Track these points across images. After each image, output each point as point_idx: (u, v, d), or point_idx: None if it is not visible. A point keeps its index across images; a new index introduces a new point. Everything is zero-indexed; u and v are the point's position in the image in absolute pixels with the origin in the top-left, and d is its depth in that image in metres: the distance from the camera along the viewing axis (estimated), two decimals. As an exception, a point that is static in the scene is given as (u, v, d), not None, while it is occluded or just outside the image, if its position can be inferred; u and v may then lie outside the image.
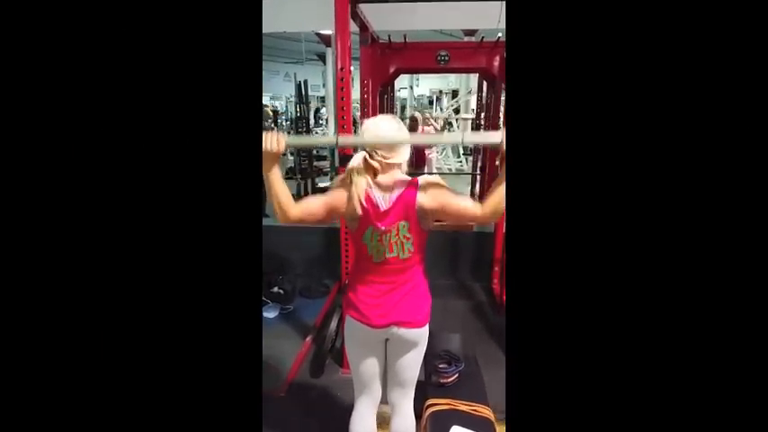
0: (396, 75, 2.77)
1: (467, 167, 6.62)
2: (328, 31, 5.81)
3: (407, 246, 1.10)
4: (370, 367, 1.25)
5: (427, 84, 12.25)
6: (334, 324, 2.06)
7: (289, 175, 5.47)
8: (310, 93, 5.62)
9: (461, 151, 7.24)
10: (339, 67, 1.65)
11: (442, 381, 1.51)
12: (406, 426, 1.30)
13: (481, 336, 2.31)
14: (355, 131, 1.70)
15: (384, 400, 1.32)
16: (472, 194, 4.08)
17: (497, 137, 0.98)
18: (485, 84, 3.55)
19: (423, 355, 1.24)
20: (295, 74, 5.78)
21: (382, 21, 2.46)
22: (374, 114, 2.26)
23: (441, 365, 1.55)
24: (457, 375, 1.53)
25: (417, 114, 5.55)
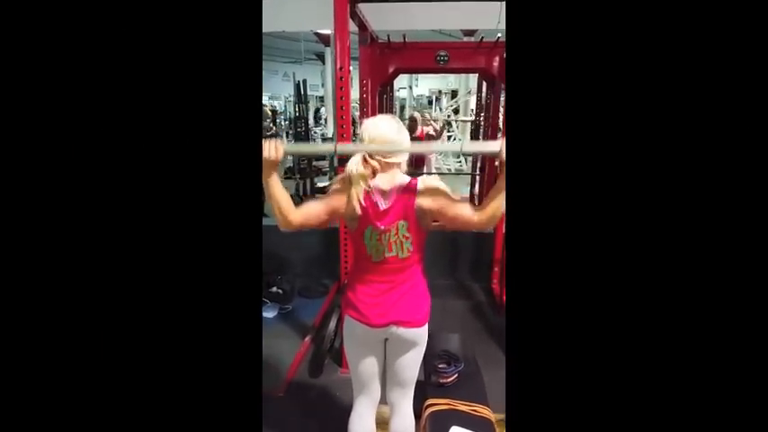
0: (395, 75, 2.77)
1: (466, 168, 6.62)
2: (327, 31, 5.81)
3: (406, 245, 1.10)
4: (369, 367, 1.25)
5: (426, 84, 12.26)
6: (333, 324, 2.06)
7: (288, 174, 5.48)
8: (309, 92, 5.63)
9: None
10: (338, 66, 1.65)
11: (441, 381, 1.51)
12: (405, 426, 1.30)
13: (481, 336, 2.31)
14: (354, 131, 1.70)
15: (383, 400, 1.32)
16: (471, 195, 4.09)
17: (497, 146, 0.97)
18: (484, 84, 3.56)
19: (422, 354, 1.24)
20: (294, 73, 5.77)
21: (381, 20, 2.46)
22: (373, 114, 2.25)
23: (440, 365, 1.55)
24: (456, 375, 1.53)
25: (417, 115, 5.54)
